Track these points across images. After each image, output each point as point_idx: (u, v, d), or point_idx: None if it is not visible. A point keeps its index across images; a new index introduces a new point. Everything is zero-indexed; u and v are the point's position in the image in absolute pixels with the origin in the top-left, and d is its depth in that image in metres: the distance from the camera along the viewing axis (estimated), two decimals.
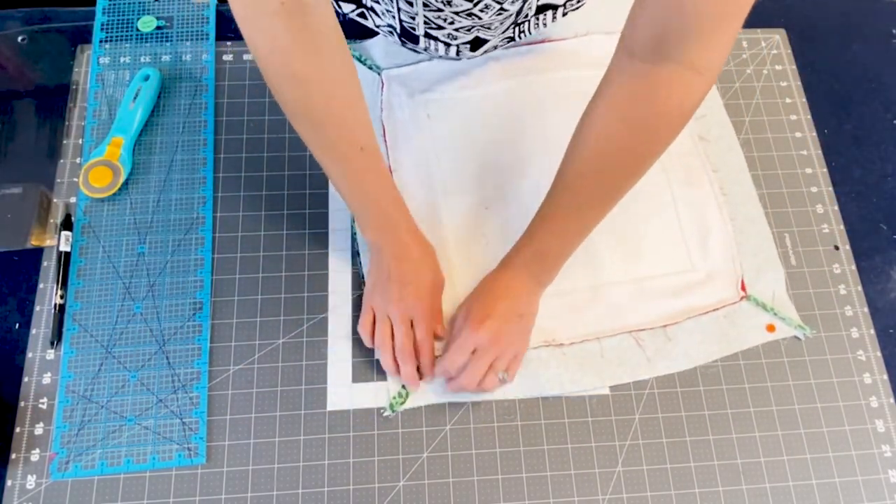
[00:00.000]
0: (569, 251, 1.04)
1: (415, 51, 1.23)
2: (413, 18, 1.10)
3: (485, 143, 1.23)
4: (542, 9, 1.17)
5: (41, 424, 1.02)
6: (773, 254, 1.17)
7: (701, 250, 1.16)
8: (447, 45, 1.16)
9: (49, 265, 1.10)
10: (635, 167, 0.95)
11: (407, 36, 1.16)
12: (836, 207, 1.22)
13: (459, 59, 1.25)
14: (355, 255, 1.14)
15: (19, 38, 1.26)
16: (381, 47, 1.28)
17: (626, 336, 1.11)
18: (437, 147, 1.22)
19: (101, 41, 1.26)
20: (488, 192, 1.19)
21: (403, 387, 1.06)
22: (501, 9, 1.07)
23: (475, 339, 1.02)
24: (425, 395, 1.06)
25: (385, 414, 1.05)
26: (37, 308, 1.08)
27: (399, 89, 1.26)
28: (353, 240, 1.15)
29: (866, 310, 1.15)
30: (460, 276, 1.13)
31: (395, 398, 1.05)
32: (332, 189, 1.18)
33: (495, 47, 1.23)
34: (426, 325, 1.06)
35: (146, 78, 1.20)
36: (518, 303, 1.05)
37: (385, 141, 1.22)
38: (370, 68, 1.28)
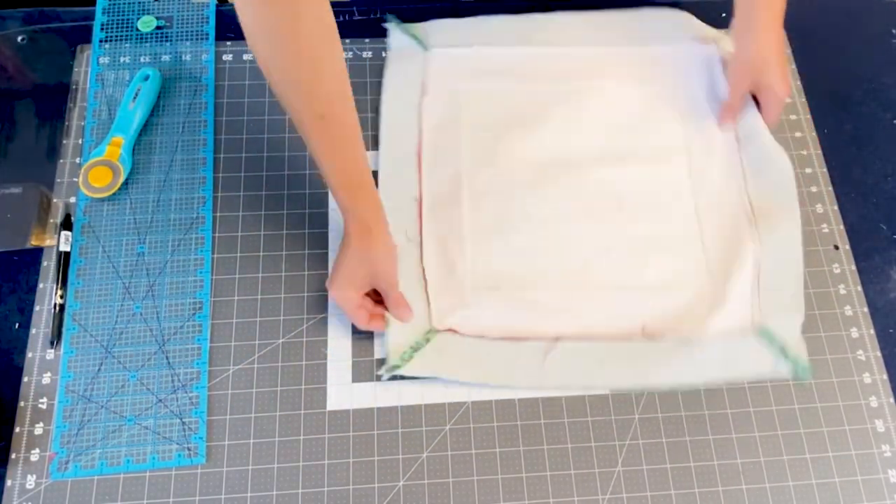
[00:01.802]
0: None
1: None
2: None
3: (525, 135, 1.23)
4: None
5: (41, 424, 1.02)
6: (799, 295, 1.14)
7: (718, 267, 1.15)
8: None
9: (49, 265, 1.10)
10: None
11: None
12: (836, 207, 1.22)
13: None
14: None
15: (19, 38, 1.26)
16: (438, 28, 1.31)
17: (625, 343, 1.10)
18: (473, 134, 1.23)
19: (100, 41, 1.26)
20: (518, 183, 1.20)
21: (412, 348, 1.07)
22: None
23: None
24: (432, 363, 1.07)
25: (385, 375, 1.06)
26: (36, 308, 1.08)
27: (449, 70, 1.28)
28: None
29: (866, 310, 1.15)
30: (464, 265, 1.13)
31: (405, 352, 1.07)
32: None
33: None
34: (395, 291, 1.08)
35: (146, 78, 1.20)
36: None
37: (421, 123, 1.23)
38: (421, 45, 1.29)
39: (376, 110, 1.24)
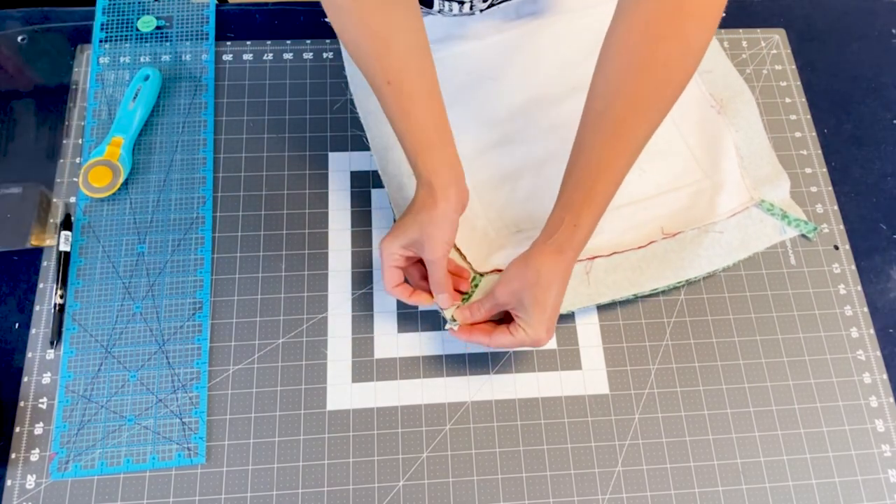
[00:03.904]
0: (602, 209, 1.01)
1: (427, 13, 1.26)
2: None
3: (492, 91, 1.26)
4: None
5: (41, 424, 1.02)
6: (775, 162, 1.24)
7: (707, 161, 1.22)
8: (461, 2, 1.19)
9: (49, 265, 1.10)
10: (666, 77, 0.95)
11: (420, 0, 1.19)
12: (836, 207, 1.22)
13: (472, 14, 1.28)
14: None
15: (19, 38, 1.26)
16: None
17: (644, 249, 1.16)
18: (446, 100, 1.22)
19: (100, 41, 1.26)
20: (503, 135, 1.23)
21: (463, 299, 1.09)
22: None
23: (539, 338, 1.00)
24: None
25: (453, 326, 1.04)
26: (36, 308, 1.08)
27: None
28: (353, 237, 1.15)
29: (866, 309, 1.15)
30: (480, 220, 1.16)
31: (457, 304, 1.07)
32: (331, 188, 1.18)
33: None
34: (441, 269, 1.03)
35: (146, 78, 1.20)
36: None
37: None
38: None
39: (339, 111, 1.24)
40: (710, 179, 1.20)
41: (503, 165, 1.20)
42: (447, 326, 1.05)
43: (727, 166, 1.20)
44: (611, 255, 1.14)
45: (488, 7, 1.26)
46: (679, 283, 1.14)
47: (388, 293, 1.05)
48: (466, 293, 1.09)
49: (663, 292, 1.15)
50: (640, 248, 1.15)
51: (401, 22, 0.96)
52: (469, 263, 1.12)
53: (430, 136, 1.02)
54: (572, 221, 0.98)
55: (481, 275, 1.11)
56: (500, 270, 1.10)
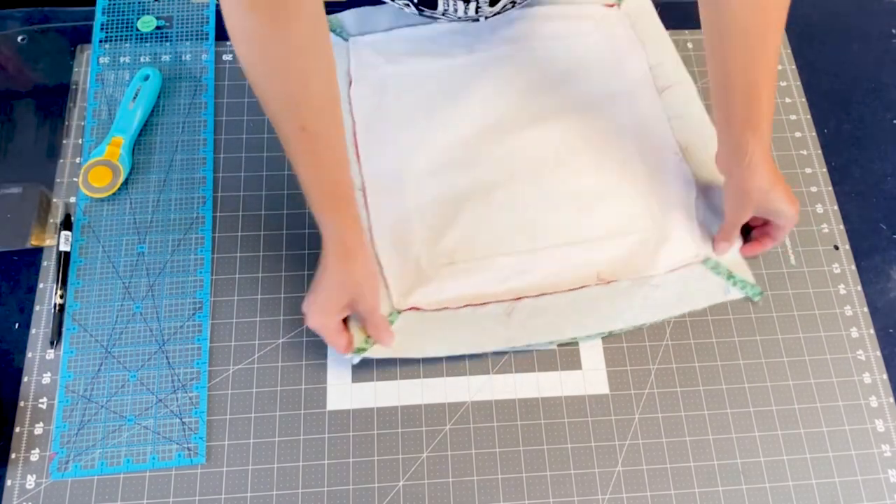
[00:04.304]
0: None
1: (432, 17, 1.25)
2: None
3: (453, 112, 1.24)
4: None
5: (41, 424, 1.02)
6: None
7: (658, 209, 1.17)
8: (467, 1, 1.17)
9: (49, 265, 1.10)
10: None
11: (424, 2, 1.18)
12: (836, 207, 1.22)
13: (477, 19, 1.27)
14: None
15: (19, 38, 1.26)
16: (355, 17, 1.31)
17: (579, 291, 1.12)
18: (405, 116, 1.23)
19: (100, 41, 1.26)
20: (456, 158, 1.20)
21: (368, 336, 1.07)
22: None
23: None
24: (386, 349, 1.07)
25: (354, 359, 1.05)
26: (36, 308, 1.08)
27: (371, 57, 1.28)
28: None
29: (866, 309, 1.15)
30: (415, 245, 1.13)
31: (370, 337, 1.06)
32: None
33: (513, 3, 1.24)
34: (376, 314, 1.05)
35: (146, 78, 1.20)
36: None
37: (352, 112, 1.23)
38: (340, 36, 1.29)
39: None
40: (658, 230, 1.15)
41: (450, 189, 1.18)
42: (348, 357, 1.06)
43: (678, 218, 1.16)
44: (539, 295, 1.11)
45: (496, 14, 1.25)
46: (601, 333, 1.10)
47: (343, 355, 1.06)
48: (369, 336, 1.07)
49: (582, 339, 1.12)
50: (571, 290, 1.12)
51: (319, 68, 0.93)
52: (390, 296, 1.10)
53: (344, 189, 1.01)
54: (758, 135, 1.02)
55: (399, 312, 1.09)
56: (417, 309, 1.09)
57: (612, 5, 1.34)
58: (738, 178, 1.06)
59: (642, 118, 1.25)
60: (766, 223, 1.13)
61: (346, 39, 1.29)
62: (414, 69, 1.27)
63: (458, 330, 1.09)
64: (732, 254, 1.15)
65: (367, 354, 1.05)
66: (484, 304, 1.10)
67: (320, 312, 1.02)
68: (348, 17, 1.30)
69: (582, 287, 1.12)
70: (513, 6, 1.25)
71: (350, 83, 1.26)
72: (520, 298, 1.11)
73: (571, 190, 1.17)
